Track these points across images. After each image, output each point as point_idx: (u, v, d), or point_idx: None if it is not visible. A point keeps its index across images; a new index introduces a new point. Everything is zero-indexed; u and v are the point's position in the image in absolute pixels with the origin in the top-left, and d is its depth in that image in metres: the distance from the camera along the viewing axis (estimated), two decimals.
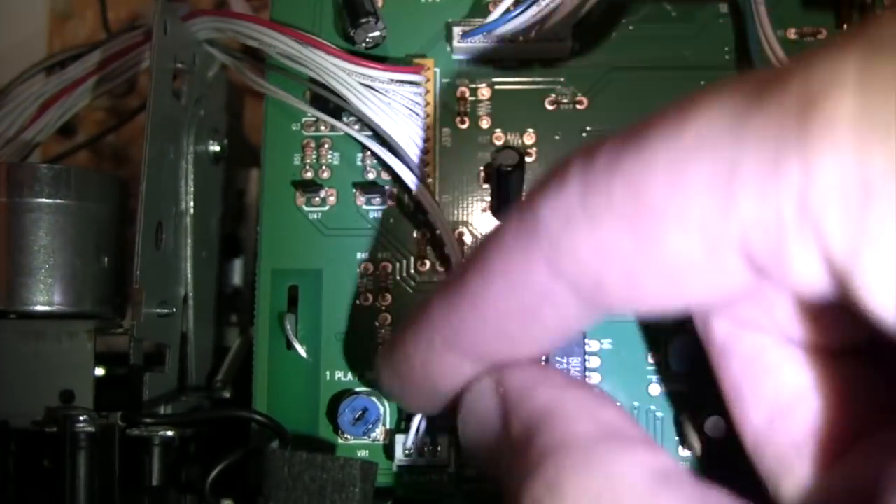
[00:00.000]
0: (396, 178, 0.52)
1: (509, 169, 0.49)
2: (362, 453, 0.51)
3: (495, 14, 0.52)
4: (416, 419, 0.49)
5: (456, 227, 0.54)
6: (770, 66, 0.49)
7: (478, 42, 0.54)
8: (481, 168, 0.54)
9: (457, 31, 0.53)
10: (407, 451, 0.49)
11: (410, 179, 0.52)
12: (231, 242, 0.57)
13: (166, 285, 0.50)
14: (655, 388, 0.52)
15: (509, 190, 0.50)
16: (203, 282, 0.53)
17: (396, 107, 0.51)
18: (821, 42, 0.55)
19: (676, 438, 0.52)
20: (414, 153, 0.51)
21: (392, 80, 0.51)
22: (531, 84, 0.55)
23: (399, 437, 0.50)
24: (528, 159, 0.53)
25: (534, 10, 0.51)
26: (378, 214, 0.53)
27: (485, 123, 0.54)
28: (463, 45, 0.53)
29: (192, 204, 0.53)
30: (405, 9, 0.56)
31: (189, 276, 0.53)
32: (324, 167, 0.54)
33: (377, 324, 0.53)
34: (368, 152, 0.54)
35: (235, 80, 0.60)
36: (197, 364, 0.53)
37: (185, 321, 0.52)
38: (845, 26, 0.55)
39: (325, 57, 0.51)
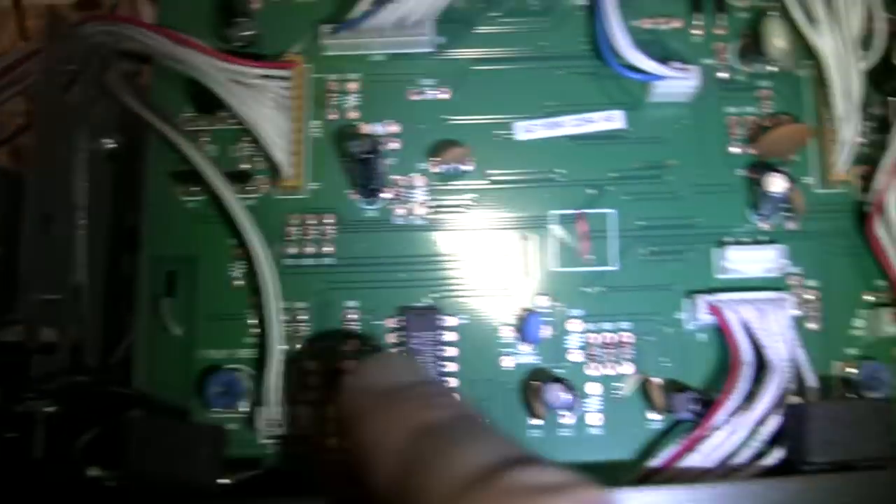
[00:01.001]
0: (269, 168, 0.54)
1: (365, 155, 0.51)
2: (231, 426, 0.52)
3: (358, 10, 0.54)
4: (272, 391, 0.51)
5: (324, 214, 0.54)
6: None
7: (345, 38, 0.56)
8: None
9: (324, 28, 0.55)
10: (268, 423, 0.50)
11: (280, 168, 0.55)
12: (132, 235, 0.60)
13: (57, 274, 0.53)
14: (508, 361, 0.53)
15: (368, 175, 0.52)
16: (98, 271, 0.56)
17: (266, 101, 0.53)
18: (674, 30, 0.56)
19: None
20: (282, 145, 0.53)
21: (262, 76, 0.54)
22: (396, 77, 0.57)
23: (259, 410, 0.51)
24: (394, 146, 0.55)
25: (391, 6, 0.53)
26: (252, 202, 0.55)
27: (352, 115, 0.55)
28: (331, 41, 0.55)
29: (86, 197, 0.55)
30: (279, 9, 0.59)
31: (82, 265, 0.55)
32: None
33: (248, 305, 0.55)
34: (242, 144, 0.55)
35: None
36: (91, 347, 0.55)
37: (79, 307, 0.54)
38: (697, 14, 0.56)
39: (198, 56, 0.53)
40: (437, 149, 0.55)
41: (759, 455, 0.51)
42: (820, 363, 0.54)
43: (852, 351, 0.55)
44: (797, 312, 0.54)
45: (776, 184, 0.51)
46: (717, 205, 0.55)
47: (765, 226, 0.55)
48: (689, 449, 0.50)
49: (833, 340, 0.54)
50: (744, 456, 0.51)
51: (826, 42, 0.53)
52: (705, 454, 0.50)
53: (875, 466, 0.47)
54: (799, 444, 0.47)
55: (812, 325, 0.54)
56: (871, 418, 0.47)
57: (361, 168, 0.52)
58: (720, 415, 0.50)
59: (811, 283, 0.54)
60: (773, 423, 0.50)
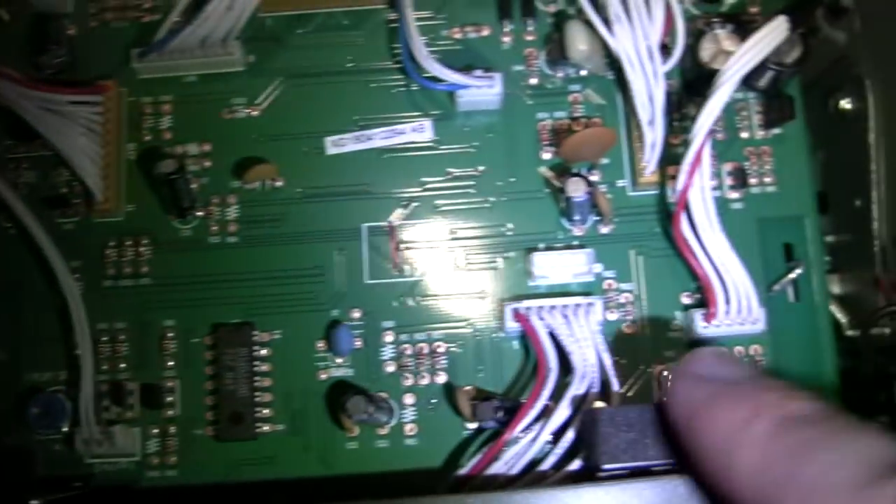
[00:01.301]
0: (84, 193, 0.54)
1: (171, 176, 0.51)
2: (57, 447, 0.55)
3: (160, 33, 0.54)
4: (84, 411, 0.52)
5: (141, 236, 0.55)
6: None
7: (157, 61, 0.57)
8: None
9: (135, 52, 0.55)
10: (85, 442, 0.51)
11: (93, 193, 0.56)
12: None
13: None
14: (323, 374, 0.52)
15: (176, 195, 0.52)
16: None
17: (76, 127, 0.54)
18: (486, 38, 0.56)
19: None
20: (94, 170, 0.53)
21: (71, 102, 0.54)
22: (209, 97, 0.57)
23: (77, 430, 0.53)
24: (207, 165, 0.56)
25: (192, 27, 0.53)
26: (71, 227, 0.55)
27: (167, 136, 0.55)
28: (142, 64, 0.55)
29: None
30: (93, 35, 0.60)
31: None
32: (20, 185, 0.57)
33: (72, 328, 0.55)
34: (60, 170, 0.56)
35: None
36: None
37: None
38: (506, 21, 0.57)
39: (7, 85, 0.53)
40: (245, 167, 0.53)
41: (563, 462, 0.49)
42: (636, 366, 0.55)
43: (670, 353, 0.52)
44: (614, 316, 0.53)
45: (575, 188, 0.51)
46: (530, 212, 0.55)
47: (578, 231, 0.54)
48: (492, 458, 0.49)
49: (650, 343, 0.53)
50: (549, 463, 0.49)
51: (623, 44, 0.53)
52: (508, 462, 0.49)
53: (672, 471, 0.46)
54: (591, 450, 0.46)
55: (629, 329, 0.53)
56: (658, 424, 0.46)
57: (169, 189, 0.52)
58: (522, 423, 0.49)
59: (626, 286, 0.53)
60: (573, 429, 0.48)
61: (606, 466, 0.46)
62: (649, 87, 0.52)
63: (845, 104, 0.60)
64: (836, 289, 0.62)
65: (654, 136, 0.53)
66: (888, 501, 0.30)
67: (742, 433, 0.38)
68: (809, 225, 0.55)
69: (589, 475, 0.47)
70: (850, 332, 0.59)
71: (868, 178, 0.58)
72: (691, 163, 0.50)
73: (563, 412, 0.50)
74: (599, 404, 0.50)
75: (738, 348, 0.53)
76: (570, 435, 0.50)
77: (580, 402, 0.50)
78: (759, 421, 0.38)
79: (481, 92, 0.54)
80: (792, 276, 0.54)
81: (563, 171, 0.54)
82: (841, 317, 0.60)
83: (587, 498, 0.45)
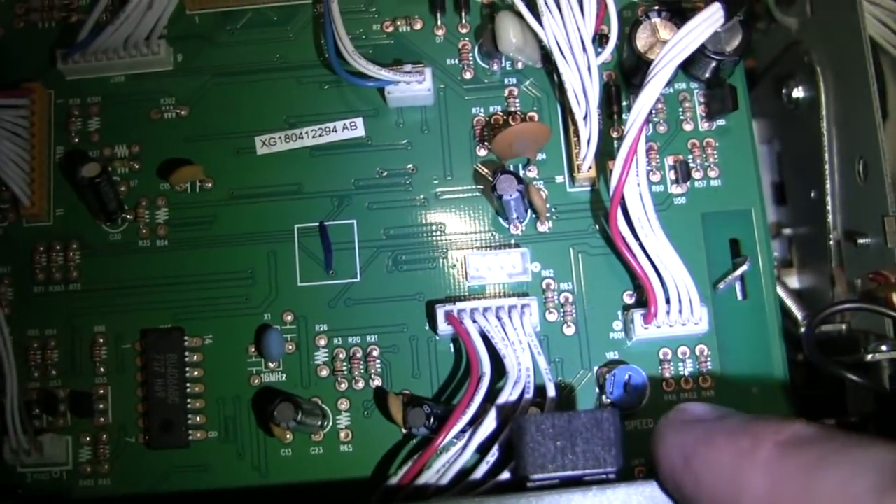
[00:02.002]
0: (12, 198, 0.52)
1: (95, 180, 0.49)
2: None
3: (83, 34, 0.52)
4: (9, 418, 0.50)
5: (70, 240, 0.53)
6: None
7: (83, 62, 0.55)
8: None
9: (59, 53, 0.52)
10: (12, 451, 0.49)
11: (19, 198, 0.54)
12: None
13: None
14: (255, 380, 0.50)
15: (100, 199, 0.50)
16: None
17: (0, 131, 0.51)
18: (419, 31, 0.54)
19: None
20: (20, 174, 0.51)
21: None
22: (136, 98, 0.55)
23: (5, 440, 0.50)
24: (136, 167, 0.54)
25: (110, 29, 0.51)
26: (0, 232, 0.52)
27: (95, 138, 0.53)
28: (68, 66, 0.53)
29: None
30: (18, 36, 0.58)
31: None
32: None
33: None
34: None
35: None
36: None
37: None
38: (439, 13, 0.54)
39: None
40: (173, 168, 0.50)
41: (495, 471, 0.47)
42: (576, 369, 0.53)
43: (612, 355, 0.50)
44: (553, 317, 0.50)
45: (505, 186, 0.48)
46: (466, 210, 0.52)
47: (515, 230, 0.51)
48: (421, 467, 0.46)
49: (590, 345, 0.50)
50: (481, 472, 0.46)
51: (554, 36, 0.50)
52: (439, 471, 0.46)
53: (602, 481, 0.44)
54: (519, 459, 0.43)
55: (568, 331, 0.50)
56: (590, 431, 0.43)
57: (93, 193, 0.50)
58: (452, 430, 0.46)
59: (565, 286, 0.50)
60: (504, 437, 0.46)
61: (534, 476, 0.43)
62: (582, 80, 0.49)
63: (798, 92, 0.56)
64: (793, 283, 0.58)
65: (588, 130, 0.49)
66: None
67: (747, 461, 0.36)
68: (756, 219, 0.52)
69: (518, 485, 0.43)
70: (801, 329, 0.56)
71: (822, 169, 0.54)
72: (626, 156, 0.47)
73: (492, 420, 0.46)
74: (534, 411, 0.47)
75: (683, 349, 0.50)
76: (499, 443, 0.47)
77: (513, 409, 0.46)
78: (761, 447, 0.36)
79: (411, 87, 0.51)
80: (738, 272, 0.50)
81: (498, 167, 0.50)
82: (797, 312, 0.56)
83: None
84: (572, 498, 0.42)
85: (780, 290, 0.56)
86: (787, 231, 0.60)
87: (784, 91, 0.57)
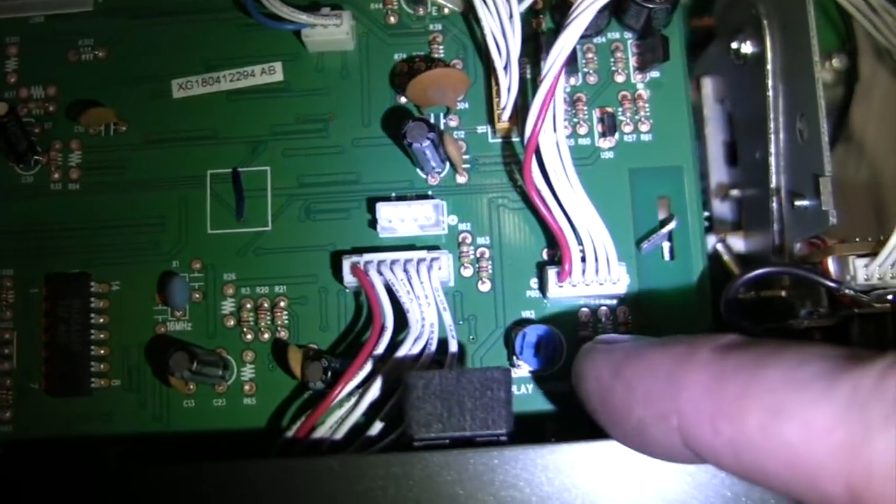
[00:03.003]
0: None
1: (2, 119, 0.47)
2: None
3: None
4: None
5: None
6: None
7: (1, 2, 0.52)
8: None
9: None
10: None
11: None
12: None
13: None
14: (161, 328, 0.47)
15: (8, 139, 0.48)
16: None
17: None
18: None
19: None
20: None
21: None
22: (55, 39, 0.53)
23: None
24: (51, 108, 0.53)
25: None
26: None
27: (12, 79, 0.51)
28: None
29: None
30: None
31: None
32: None
33: None
34: None
35: None
36: None
37: None
38: None
39: None
40: (84, 111, 0.47)
41: (390, 429, 0.45)
42: (490, 327, 0.50)
43: (528, 314, 0.46)
44: (468, 272, 0.46)
45: (414, 134, 0.44)
46: (384, 160, 0.49)
47: (433, 181, 0.47)
48: (314, 422, 0.43)
49: (506, 302, 0.47)
50: (376, 430, 0.44)
51: None
52: (330, 427, 0.43)
53: (494, 443, 0.41)
54: (405, 417, 0.40)
55: (483, 287, 0.46)
56: (480, 391, 0.40)
57: (1, 133, 0.46)
58: (348, 386, 0.43)
59: (482, 240, 0.47)
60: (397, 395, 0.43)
61: (419, 436, 0.39)
62: (503, 27, 0.45)
63: (746, 48, 0.52)
64: (740, 246, 0.54)
65: (509, 79, 0.45)
66: (874, 375, 0.29)
67: (683, 363, 0.34)
68: (688, 177, 0.47)
69: (406, 445, 0.41)
70: (741, 295, 0.52)
71: (767, 128, 0.49)
72: (541, 103, 0.43)
73: (386, 377, 0.42)
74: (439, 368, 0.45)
75: (604, 309, 0.46)
76: (393, 401, 0.45)
77: (412, 366, 0.42)
78: (699, 351, 0.34)
79: (328, 31, 0.47)
80: (663, 231, 0.46)
81: (413, 117, 0.46)
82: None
83: (398, 464, 0.41)
84: (459, 459, 0.38)
85: (722, 252, 0.51)
86: (735, 193, 0.55)
87: (733, 46, 0.52)
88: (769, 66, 0.50)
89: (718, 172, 0.57)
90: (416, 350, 0.45)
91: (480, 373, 0.40)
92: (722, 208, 0.56)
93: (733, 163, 0.57)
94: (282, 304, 0.48)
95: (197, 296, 0.49)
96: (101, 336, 0.49)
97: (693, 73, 0.57)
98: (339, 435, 0.44)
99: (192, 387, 0.47)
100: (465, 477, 0.40)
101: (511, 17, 0.46)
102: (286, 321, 0.48)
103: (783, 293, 0.50)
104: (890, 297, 0.44)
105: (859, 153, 0.55)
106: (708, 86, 0.58)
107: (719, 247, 0.54)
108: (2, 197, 0.51)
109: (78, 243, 0.50)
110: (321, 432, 0.44)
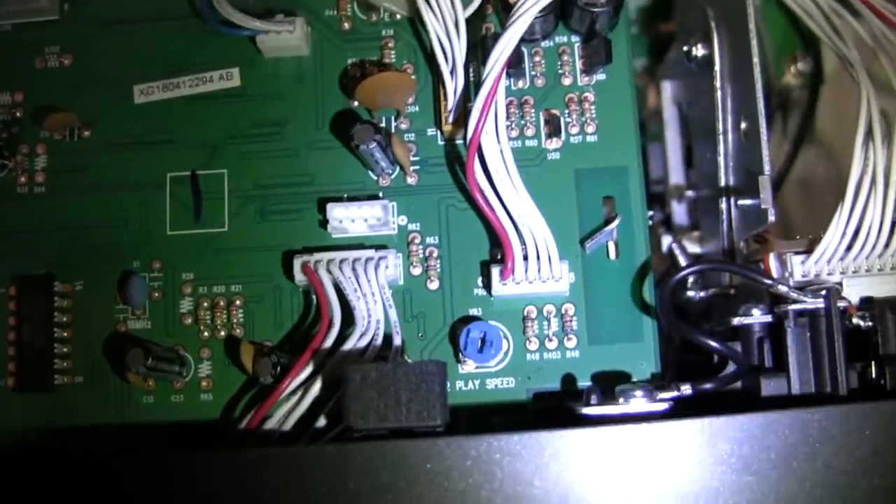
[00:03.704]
0: None
1: None
2: None
3: None
4: None
5: None
6: None
7: None
8: None
9: None
10: None
11: None
12: None
13: None
14: (122, 326, 0.51)
15: None
16: None
17: None
18: None
19: None
20: None
21: None
22: (22, 47, 0.57)
23: None
24: (17, 114, 0.56)
25: None
26: None
27: None
28: None
29: None
30: None
31: None
32: None
33: None
34: None
35: None
36: None
37: None
38: None
39: None
40: (48, 115, 0.51)
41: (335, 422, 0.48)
42: (438, 324, 0.53)
43: (475, 311, 0.49)
44: (417, 271, 0.50)
45: (361, 135, 0.47)
46: (337, 162, 0.53)
47: (384, 182, 0.51)
48: (263, 415, 0.47)
49: (454, 300, 0.50)
50: (322, 422, 0.48)
51: None
52: (278, 420, 0.47)
53: (430, 434, 0.44)
54: (343, 409, 0.44)
55: (432, 285, 0.50)
56: (415, 382, 0.43)
57: None
58: (295, 380, 0.47)
59: (431, 240, 0.50)
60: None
61: (357, 427, 0.43)
62: (448, 34, 0.49)
63: (697, 51, 0.55)
64: (694, 246, 0.57)
65: (455, 83, 0.49)
66: None
67: None
68: (633, 177, 0.51)
69: (347, 436, 0.44)
70: (690, 293, 0.55)
71: (716, 129, 0.53)
72: (482, 104, 0.47)
73: (332, 370, 0.46)
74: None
75: (549, 307, 0.49)
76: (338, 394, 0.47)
77: (356, 360, 0.46)
78: None
79: (282, 37, 0.51)
80: (606, 229, 0.49)
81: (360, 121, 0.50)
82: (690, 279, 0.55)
83: (338, 456, 0.44)
84: (396, 447, 0.42)
85: (676, 251, 0.55)
86: (690, 193, 0.58)
87: (685, 49, 0.55)
88: (717, 68, 0.53)
89: (676, 174, 0.60)
90: (361, 345, 0.48)
91: (416, 366, 0.43)
92: (679, 209, 0.59)
93: (691, 164, 0.60)
94: (237, 302, 0.52)
95: (156, 294, 0.52)
96: (65, 334, 0.52)
97: (656, 78, 0.60)
98: (288, 426, 0.47)
99: (150, 383, 0.51)
100: (401, 466, 0.43)
101: (456, 22, 0.49)
102: (241, 319, 0.52)
103: (731, 291, 0.53)
104: (823, 292, 0.46)
105: (824, 153, 0.57)
106: (667, 89, 0.61)
107: (674, 247, 0.57)
108: None
109: (43, 245, 0.54)
110: (271, 424, 0.47)
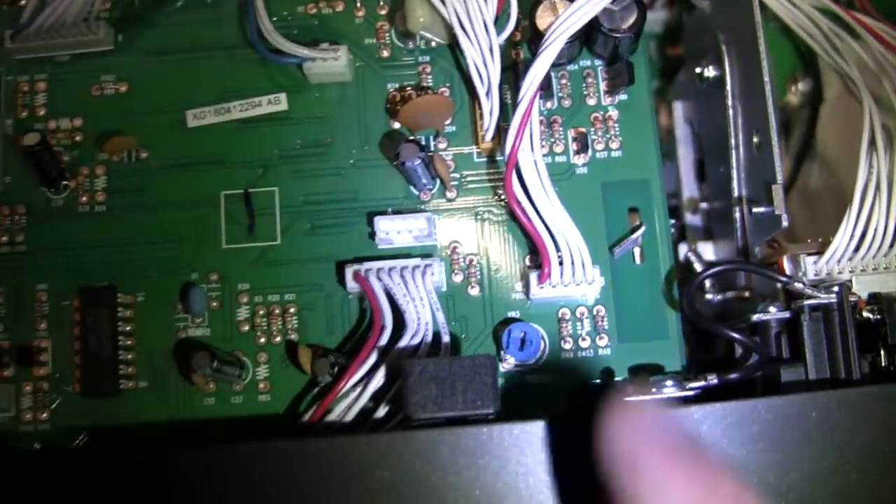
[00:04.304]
0: None
1: (35, 148, 0.58)
2: None
3: (24, 16, 0.61)
4: None
5: (17, 205, 0.63)
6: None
7: (30, 42, 0.63)
8: None
9: (7, 34, 0.61)
10: None
11: None
12: None
13: None
14: (182, 334, 0.59)
15: (41, 165, 0.59)
16: None
17: None
18: (340, 13, 0.63)
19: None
20: None
21: None
22: (80, 75, 0.63)
23: None
24: (78, 139, 0.62)
25: (47, 11, 0.60)
26: None
27: (41, 112, 0.62)
28: (16, 45, 0.61)
29: None
30: None
31: None
32: None
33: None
34: None
35: None
36: None
37: None
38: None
39: None
40: (108, 139, 0.59)
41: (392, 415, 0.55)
42: (479, 326, 0.60)
43: (513, 314, 0.57)
44: (458, 278, 0.58)
45: (407, 153, 0.55)
46: (379, 179, 0.60)
47: (425, 197, 0.59)
48: (324, 410, 0.54)
49: (493, 304, 0.58)
50: (381, 414, 0.56)
51: (456, 16, 0.57)
52: (338, 414, 0.54)
53: (483, 421, 0.50)
54: (403, 400, 0.51)
55: (473, 291, 0.58)
56: (469, 375, 0.50)
57: (34, 160, 0.58)
58: (353, 377, 0.54)
59: (470, 250, 0.58)
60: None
61: (416, 416, 0.49)
62: (484, 58, 0.57)
63: (709, 72, 0.63)
64: (709, 255, 0.66)
65: (490, 104, 0.57)
66: None
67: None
68: (655, 188, 0.59)
69: (406, 425, 0.51)
70: (708, 296, 0.63)
71: (728, 144, 0.61)
72: (518, 123, 0.54)
73: (388, 366, 0.53)
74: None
75: (581, 309, 0.57)
76: (395, 388, 0.54)
77: (408, 357, 0.54)
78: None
79: (328, 64, 0.59)
80: (634, 236, 0.57)
81: (405, 139, 0.58)
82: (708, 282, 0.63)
83: (399, 443, 0.50)
84: (453, 434, 0.49)
85: (693, 260, 0.63)
86: (704, 205, 0.67)
87: (698, 71, 0.64)
88: (728, 88, 0.62)
89: (689, 188, 0.68)
90: (413, 344, 0.56)
91: (469, 360, 0.51)
92: (693, 220, 0.68)
93: (703, 178, 0.69)
94: (291, 310, 0.59)
95: (214, 304, 0.60)
96: (128, 342, 0.59)
97: (666, 99, 0.70)
98: (348, 418, 0.55)
99: (212, 386, 0.58)
100: (458, 451, 0.50)
101: (491, 48, 0.58)
102: (296, 325, 0.59)
103: (747, 294, 0.62)
104: (835, 288, 0.55)
105: (825, 166, 0.66)
106: (679, 109, 0.70)
107: (690, 255, 0.66)
108: (36, 219, 0.61)
109: (104, 259, 0.61)
110: (332, 417, 0.55)
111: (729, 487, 0.39)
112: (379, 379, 0.54)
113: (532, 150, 0.55)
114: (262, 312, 0.59)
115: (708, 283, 0.63)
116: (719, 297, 0.63)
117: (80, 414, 0.60)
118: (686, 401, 0.51)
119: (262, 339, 0.59)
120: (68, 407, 0.60)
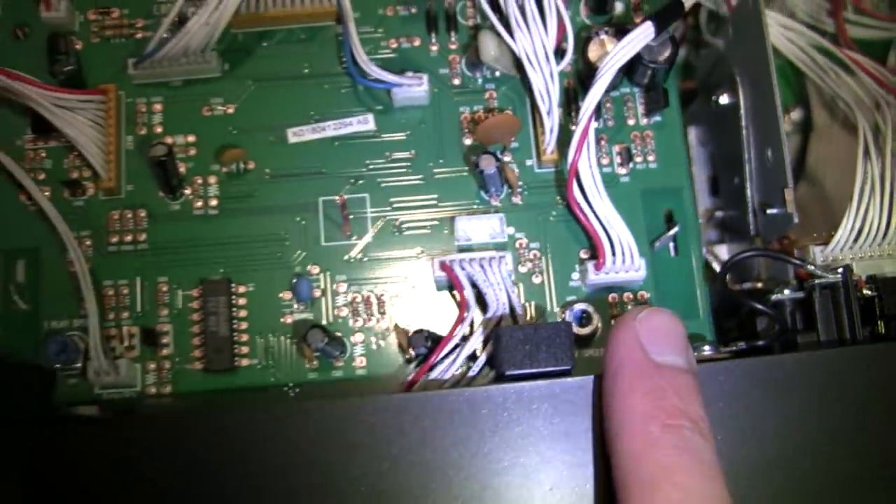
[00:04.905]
0: (93, 175, 0.77)
1: (161, 158, 0.74)
2: (72, 381, 0.74)
3: (151, 45, 0.77)
4: (93, 347, 0.73)
5: (139, 209, 0.77)
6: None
7: (148, 69, 0.77)
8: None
9: (130, 61, 0.78)
10: (95, 372, 0.72)
11: (100, 175, 0.76)
12: None
13: None
14: (289, 319, 0.75)
15: (166, 174, 0.75)
16: None
17: (85, 121, 0.76)
18: (418, 47, 0.80)
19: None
20: (101, 155, 0.76)
21: (80, 101, 0.76)
22: (192, 97, 0.78)
23: (89, 364, 0.72)
24: (192, 152, 0.78)
25: (173, 41, 0.76)
26: (81, 203, 0.77)
27: (158, 129, 0.78)
28: (136, 72, 0.78)
29: None
30: (95, 48, 0.81)
31: None
32: (40, 171, 0.78)
33: (81, 286, 0.75)
34: (72, 157, 0.78)
35: None
36: None
37: None
38: (433, 33, 0.80)
39: (26, 87, 0.76)
40: (223, 150, 0.76)
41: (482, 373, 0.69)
42: (543, 309, 0.75)
43: (571, 298, 0.75)
44: (524, 269, 0.75)
45: (486, 163, 0.73)
46: (455, 187, 0.76)
47: (494, 201, 0.76)
48: (425, 371, 0.70)
49: (555, 290, 0.75)
50: (474, 370, 0.70)
51: (524, 49, 0.75)
52: (440, 372, 0.70)
53: (560, 374, 0.64)
54: (497, 359, 0.64)
55: (536, 279, 0.75)
56: (551, 338, 0.66)
57: (160, 169, 0.74)
58: (447, 346, 0.70)
59: (534, 245, 0.75)
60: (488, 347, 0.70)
61: (509, 372, 0.65)
62: (546, 83, 0.75)
63: (724, 99, 0.82)
64: (724, 255, 0.84)
65: (551, 122, 0.75)
66: None
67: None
68: (686, 194, 0.76)
69: (499, 379, 0.65)
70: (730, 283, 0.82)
71: (742, 159, 0.80)
72: (579, 138, 0.72)
73: (478, 335, 0.70)
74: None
75: (628, 294, 0.75)
76: (485, 352, 0.69)
77: (493, 328, 0.71)
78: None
79: (412, 90, 0.75)
80: (670, 233, 0.75)
81: (481, 151, 0.76)
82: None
83: (492, 393, 0.63)
84: (537, 385, 0.63)
85: (711, 259, 0.82)
86: (719, 214, 0.86)
87: (713, 98, 0.83)
88: (742, 112, 0.81)
89: (704, 201, 0.87)
90: (494, 320, 0.73)
91: (550, 325, 0.65)
92: (708, 228, 0.87)
93: (715, 193, 0.88)
94: (384, 296, 0.76)
95: (317, 293, 0.76)
96: (243, 326, 0.74)
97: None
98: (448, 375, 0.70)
99: (315, 362, 0.75)
100: (543, 399, 0.64)
101: (552, 75, 0.76)
102: (388, 311, 0.76)
103: (760, 284, 0.81)
104: (840, 270, 0.73)
105: (815, 185, 0.85)
106: (692, 133, 0.88)
107: (708, 256, 0.85)
108: (156, 221, 0.76)
109: (220, 255, 0.75)
110: (433, 375, 0.70)
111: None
112: (470, 346, 0.69)
113: (589, 160, 0.73)
114: (358, 299, 0.74)
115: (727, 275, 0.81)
116: (737, 287, 0.81)
117: (200, 388, 0.73)
118: (723, 359, 0.67)
119: (359, 322, 0.74)
120: (189, 382, 0.73)
